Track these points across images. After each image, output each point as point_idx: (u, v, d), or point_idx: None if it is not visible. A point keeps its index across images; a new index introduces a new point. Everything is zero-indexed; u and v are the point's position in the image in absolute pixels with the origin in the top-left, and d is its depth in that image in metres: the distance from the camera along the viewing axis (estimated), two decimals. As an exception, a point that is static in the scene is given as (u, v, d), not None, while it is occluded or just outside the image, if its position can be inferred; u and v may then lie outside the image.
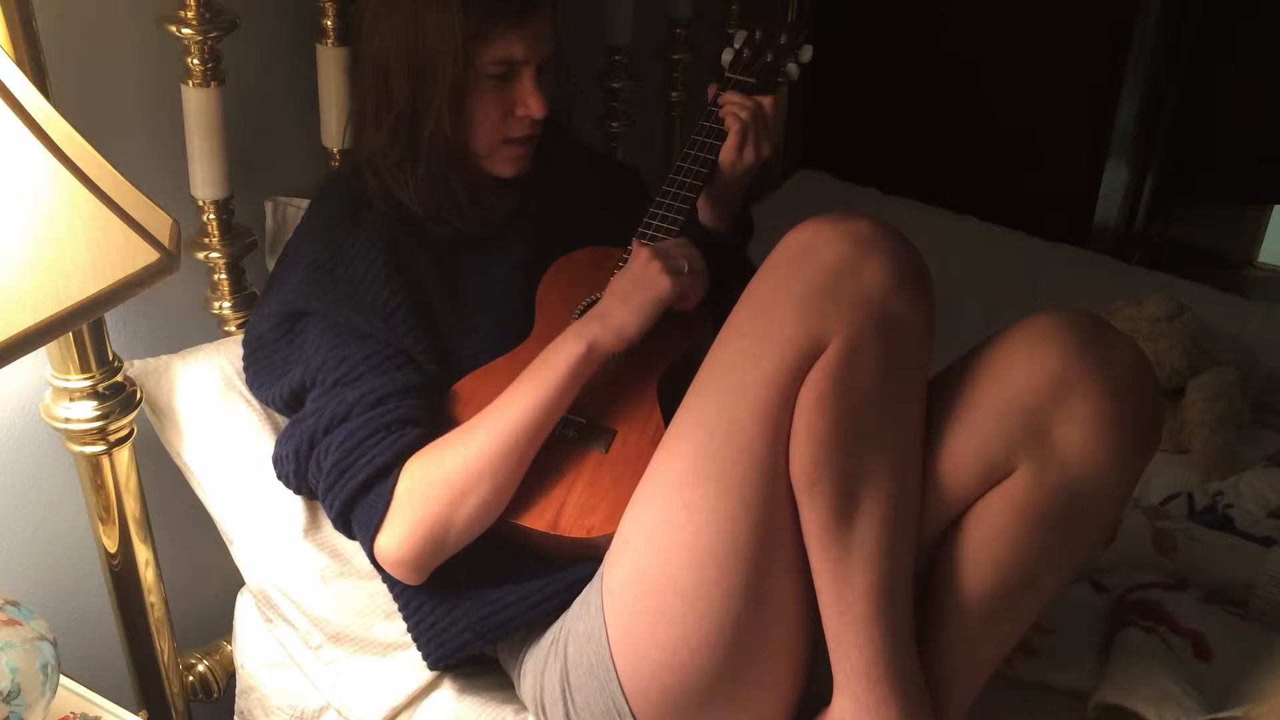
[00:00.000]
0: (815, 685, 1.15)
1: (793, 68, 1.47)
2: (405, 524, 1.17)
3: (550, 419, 1.21)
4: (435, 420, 1.24)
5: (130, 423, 1.29)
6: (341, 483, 1.20)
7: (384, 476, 1.19)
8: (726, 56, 1.48)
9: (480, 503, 1.17)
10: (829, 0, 2.57)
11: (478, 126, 1.32)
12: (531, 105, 1.31)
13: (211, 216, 1.43)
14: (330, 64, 1.50)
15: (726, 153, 1.37)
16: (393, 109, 1.31)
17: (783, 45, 1.47)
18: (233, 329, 1.49)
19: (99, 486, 1.30)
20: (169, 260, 0.94)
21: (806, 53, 1.48)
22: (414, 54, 1.27)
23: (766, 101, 1.40)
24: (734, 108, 1.38)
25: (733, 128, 1.37)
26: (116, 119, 1.36)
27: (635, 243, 1.31)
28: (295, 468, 1.26)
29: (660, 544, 1.10)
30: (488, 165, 1.36)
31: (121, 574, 1.35)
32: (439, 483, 1.17)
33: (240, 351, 1.37)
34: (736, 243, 1.47)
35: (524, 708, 1.26)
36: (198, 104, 1.36)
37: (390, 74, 1.29)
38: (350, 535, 1.24)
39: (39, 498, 1.39)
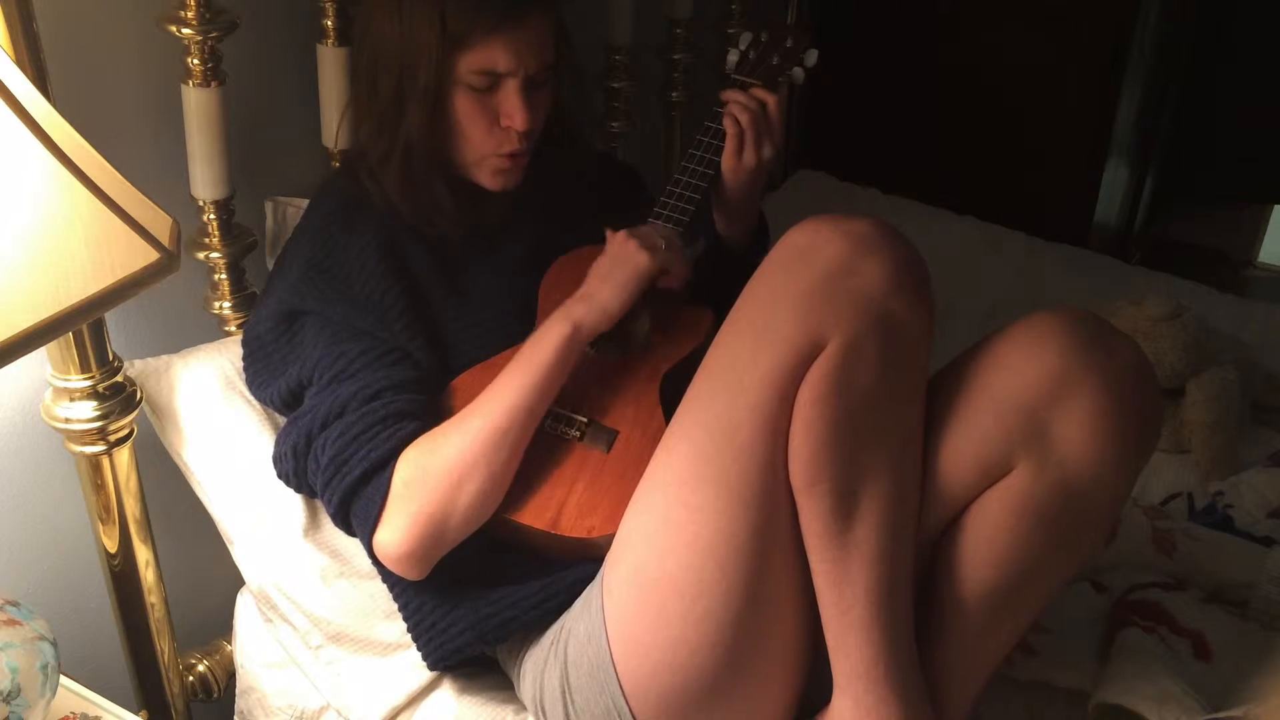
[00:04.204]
0: (815, 685, 1.15)
1: (798, 71, 1.46)
2: (404, 516, 1.17)
3: (542, 403, 1.21)
4: (432, 415, 1.23)
5: (130, 423, 1.29)
6: (339, 478, 1.20)
7: (380, 470, 1.19)
8: (732, 58, 1.47)
9: (477, 490, 1.17)
10: (830, 0, 2.57)
11: (462, 136, 1.30)
12: (515, 117, 1.28)
13: (211, 216, 1.43)
14: (330, 64, 1.50)
15: (727, 156, 1.37)
16: (377, 106, 1.31)
17: (788, 49, 1.46)
18: (233, 329, 1.49)
19: (99, 487, 1.30)
20: (169, 260, 0.94)
21: (811, 57, 1.47)
22: (396, 55, 1.27)
23: (769, 100, 1.38)
24: (735, 108, 1.37)
25: (730, 130, 1.37)
26: (116, 119, 1.36)
27: (607, 230, 1.31)
28: (294, 465, 1.26)
29: (660, 544, 1.10)
30: (473, 175, 1.35)
31: (121, 574, 1.35)
32: (435, 471, 1.17)
33: (240, 351, 1.37)
34: (750, 250, 1.45)
35: (524, 708, 1.26)
36: (198, 104, 1.36)
37: (378, 73, 1.29)
38: (350, 531, 1.24)
39: (39, 498, 1.38)
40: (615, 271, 1.26)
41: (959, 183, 2.47)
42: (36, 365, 1.27)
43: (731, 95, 1.38)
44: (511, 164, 1.33)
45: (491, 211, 1.37)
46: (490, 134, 1.30)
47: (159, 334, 1.46)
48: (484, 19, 1.24)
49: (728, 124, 1.37)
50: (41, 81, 1.07)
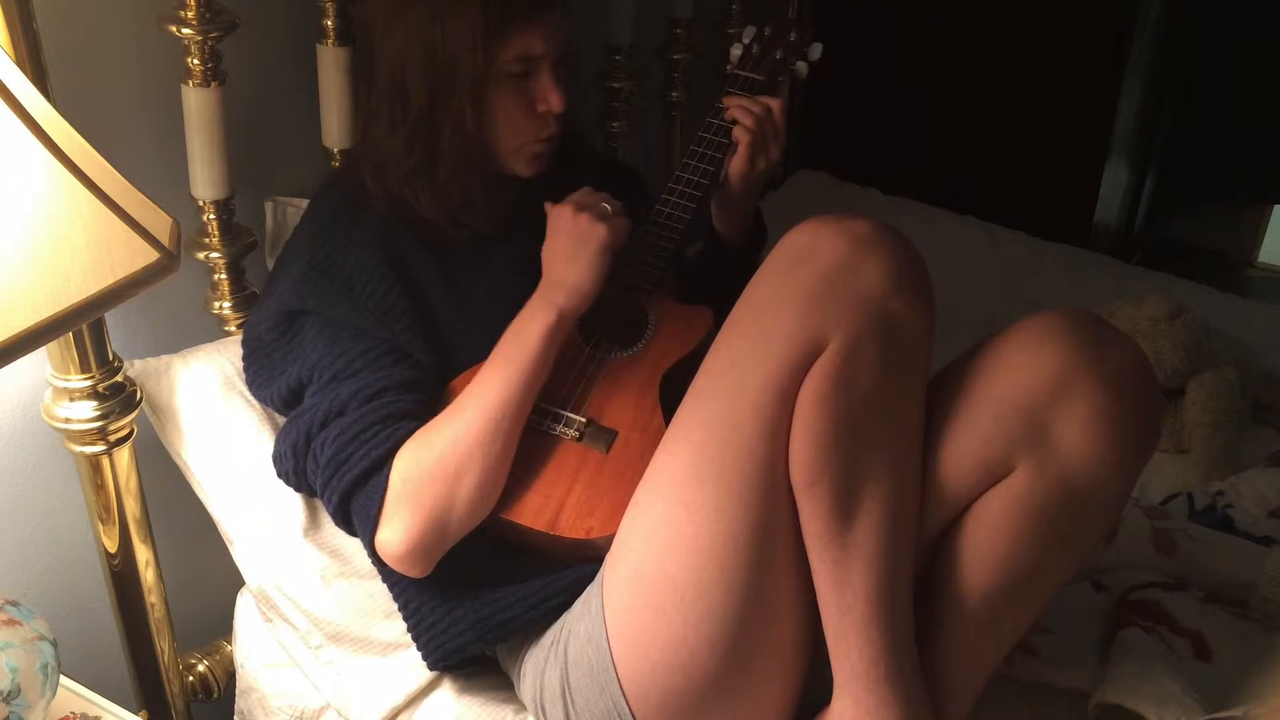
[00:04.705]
0: (815, 685, 1.15)
1: (801, 66, 1.46)
2: (405, 514, 1.17)
3: (531, 392, 1.21)
4: (432, 415, 1.23)
5: (130, 423, 1.29)
6: (338, 477, 1.20)
7: (380, 469, 1.19)
8: (736, 53, 1.47)
9: (475, 483, 1.17)
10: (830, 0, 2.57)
11: (501, 126, 1.32)
12: (552, 100, 1.31)
13: (211, 216, 1.43)
14: (330, 64, 1.50)
15: (737, 163, 1.36)
16: (410, 115, 1.30)
17: (792, 43, 1.46)
18: (233, 329, 1.49)
19: (99, 486, 1.30)
20: (169, 260, 0.94)
21: (815, 50, 1.47)
22: (432, 57, 1.27)
23: (774, 105, 1.37)
24: (739, 113, 1.37)
25: (742, 139, 1.36)
26: (116, 119, 1.36)
27: (546, 205, 1.32)
28: (294, 464, 1.26)
29: (660, 544, 1.10)
30: (511, 164, 1.36)
31: (121, 574, 1.35)
32: (431, 466, 1.17)
33: (240, 351, 1.37)
34: (748, 249, 1.46)
35: (524, 708, 1.26)
36: (198, 104, 1.36)
37: (407, 79, 1.29)
38: (351, 531, 1.24)
39: (39, 498, 1.39)
40: (580, 250, 1.26)
41: (959, 183, 2.47)
42: (36, 365, 1.27)
43: (734, 102, 1.38)
44: (546, 148, 1.36)
45: (505, 203, 1.37)
46: (529, 120, 1.33)
47: (159, 334, 1.46)
48: (522, 8, 1.27)
49: (739, 134, 1.36)
50: (41, 81, 1.07)
